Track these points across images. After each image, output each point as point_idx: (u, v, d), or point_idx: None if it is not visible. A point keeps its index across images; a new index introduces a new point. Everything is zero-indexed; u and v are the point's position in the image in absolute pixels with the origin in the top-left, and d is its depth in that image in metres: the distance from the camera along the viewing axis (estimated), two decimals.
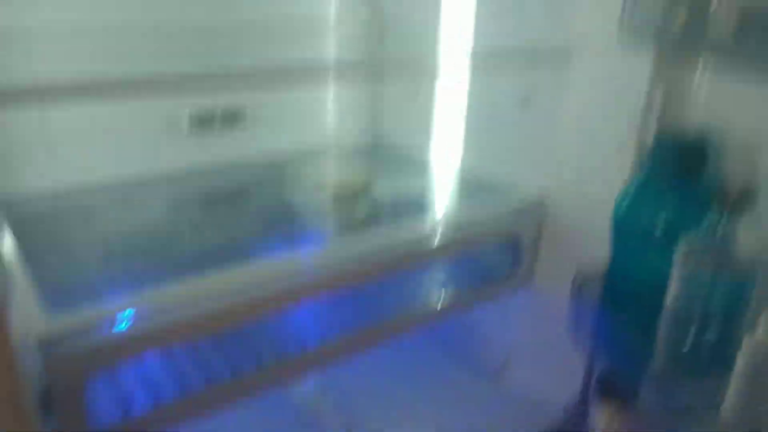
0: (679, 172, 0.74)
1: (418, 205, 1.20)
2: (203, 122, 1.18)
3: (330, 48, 1.28)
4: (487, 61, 1.04)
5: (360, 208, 1.16)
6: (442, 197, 1.20)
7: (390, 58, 1.16)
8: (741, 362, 0.62)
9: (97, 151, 1.11)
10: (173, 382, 0.79)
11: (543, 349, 1.11)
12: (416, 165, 1.31)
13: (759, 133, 0.70)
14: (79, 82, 0.67)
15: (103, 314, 0.68)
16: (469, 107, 1.18)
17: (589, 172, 0.96)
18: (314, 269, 0.82)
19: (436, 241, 0.95)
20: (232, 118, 1.21)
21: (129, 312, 0.69)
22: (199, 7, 1.13)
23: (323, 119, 1.36)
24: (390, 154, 1.38)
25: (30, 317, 0.65)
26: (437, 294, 1.01)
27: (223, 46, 1.11)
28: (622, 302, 0.81)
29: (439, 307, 0.99)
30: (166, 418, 0.76)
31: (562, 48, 0.95)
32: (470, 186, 1.18)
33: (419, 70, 1.05)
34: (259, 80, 0.83)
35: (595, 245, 0.92)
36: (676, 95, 0.81)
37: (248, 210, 1.22)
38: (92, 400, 0.71)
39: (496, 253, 1.08)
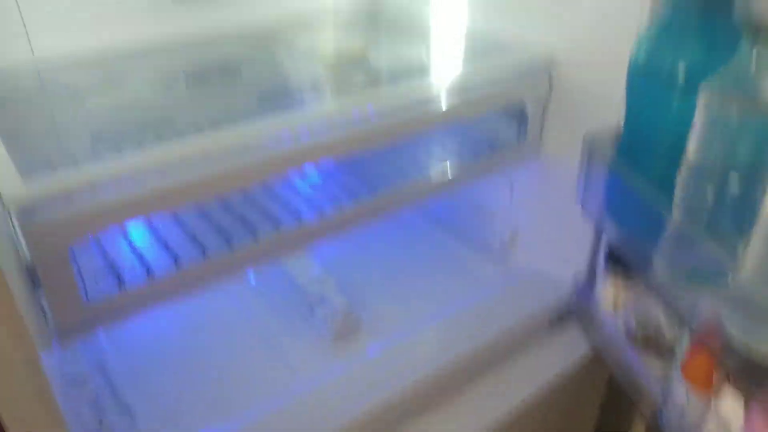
0: (705, 6, 0.66)
1: (419, 72, 1.12)
2: None
3: None
4: None
5: (358, 77, 1.09)
6: (445, 62, 1.12)
7: None
8: (764, 219, 0.58)
9: (73, 21, 1.03)
10: (165, 254, 0.76)
11: (551, 224, 1.07)
12: (418, 30, 1.22)
13: None
14: None
15: (85, 178, 0.63)
16: None
17: (602, 21, 0.87)
18: (310, 133, 0.76)
19: (441, 105, 0.88)
20: None
21: None
22: None
23: None
24: (390, 19, 1.29)
25: (8, 184, 0.61)
26: (440, 164, 0.96)
27: None
28: (637, 162, 0.76)
29: (442, 179, 0.94)
30: (160, 291, 0.73)
31: None
32: (475, 48, 1.10)
33: None
34: None
35: (608, 107, 0.86)
36: None
37: (241, 83, 1.15)
38: (81, 273, 0.69)
39: (502, 119, 1.02)
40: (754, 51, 0.55)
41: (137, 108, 1.04)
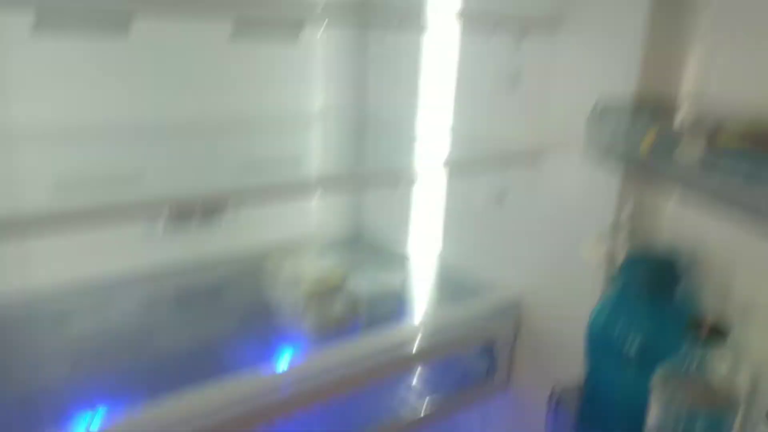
0: (651, 290, 0.74)
1: (396, 302, 1.19)
2: (182, 217, 1.17)
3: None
4: (462, 167, 1.05)
5: (338, 305, 1.15)
6: (421, 295, 1.20)
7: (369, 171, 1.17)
8: None
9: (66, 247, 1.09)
10: None
11: None
12: (396, 260, 1.31)
13: (732, 256, 0.71)
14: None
15: None
16: (447, 204, 1.20)
17: (562, 279, 0.97)
18: (289, 384, 0.80)
19: (415, 347, 0.93)
20: (213, 211, 1.20)
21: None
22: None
23: (306, 212, 1.36)
24: (370, 248, 1.38)
25: None
26: (414, 401, 0.98)
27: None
28: (598, 420, 0.80)
29: (415, 416, 0.97)
30: None
31: (535, 151, 0.97)
32: (449, 282, 1.18)
33: (398, 180, 1.07)
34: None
35: (571, 353, 0.91)
36: (646, 212, 0.82)
37: (224, 307, 1.20)
38: None
39: (473, 356, 1.07)
40: (698, 346, 0.62)
41: (119, 332, 1.07)
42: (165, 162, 1.12)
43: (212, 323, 1.20)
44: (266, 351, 1.18)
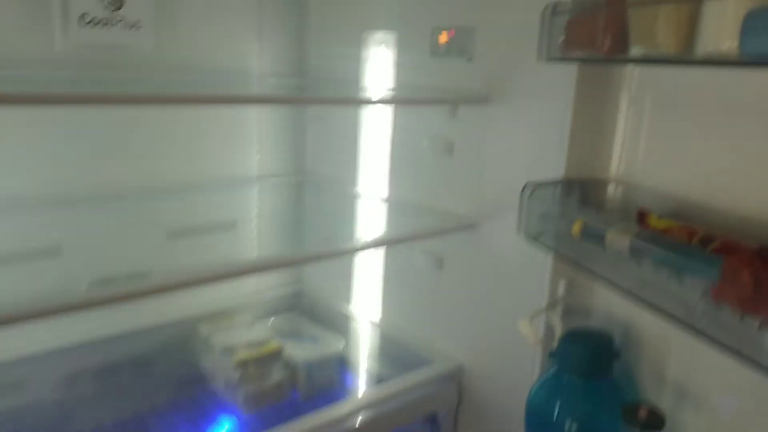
0: (588, 369, 0.74)
1: (336, 371, 1.16)
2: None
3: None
4: (398, 242, 1.04)
5: (274, 373, 1.11)
6: (362, 362, 1.17)
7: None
8: None
9: None
10: None
11: None
12: (338, 320, 1.28)
13: (664, 339, 0.72)
14: None
15: None
16: (386, 269, 1.18)
17: (503, 349, 0.96)
18: None
19: (358, 422, 0.90)
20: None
21: None
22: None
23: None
24: (310, 308, 1.34)
25: None
26: None
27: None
28: None
29: None
30: None
31: (471, 221, 0.98)
32: (391, 348, 1.16)
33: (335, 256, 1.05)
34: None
35: (513, 423, 0.90)
36: (581, 290, 0.83)
37: (154, 378, 1.14)
38: None
39: (417, 427, 1.04)
40: None
41: (39, 410, 1.00)
42: (90, 233, 1.07)
43: (141, 395, 1.13)
44: (198, 424, 1.13)
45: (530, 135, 0.88)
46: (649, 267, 0.57)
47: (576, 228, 0.65)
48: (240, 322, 1.25)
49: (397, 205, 1.14)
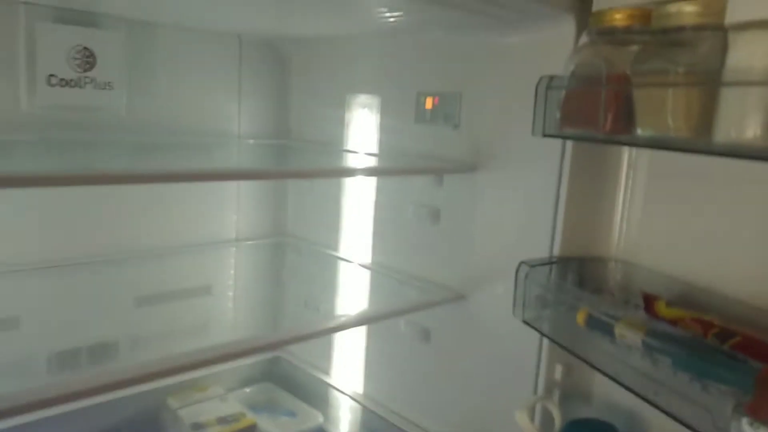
0: None
1: None
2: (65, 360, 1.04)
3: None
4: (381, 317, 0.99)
5: None
6: None
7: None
8: None
9: None
10: None
11: None
12: (314, 395, 1.20)
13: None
14: None
15: None
16: (368, 340, 1.12)
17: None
18: None
19: None
20: (101, 353, 1.08)
21: None
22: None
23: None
24: (289, 376, 1.27)
25: None
26: None
27: None
28: None
29: None
30: None
31: (460, 290, 0.93)
32: (373, 423, 1.09)
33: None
34: None
35: None
36: (579, 375, 0.78)
37: None
38: None
39: None
40: None
41: None
42: (51, 302, 1.00)
43: None
44: None
45: (521, 205, 0.84)
46: (666, 367, 0.52)
47: (580, 318, 0.60)
48: (211, 393, 1.18)
49: (380, 271, 1.09)
